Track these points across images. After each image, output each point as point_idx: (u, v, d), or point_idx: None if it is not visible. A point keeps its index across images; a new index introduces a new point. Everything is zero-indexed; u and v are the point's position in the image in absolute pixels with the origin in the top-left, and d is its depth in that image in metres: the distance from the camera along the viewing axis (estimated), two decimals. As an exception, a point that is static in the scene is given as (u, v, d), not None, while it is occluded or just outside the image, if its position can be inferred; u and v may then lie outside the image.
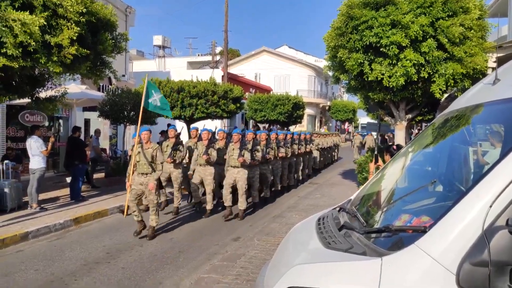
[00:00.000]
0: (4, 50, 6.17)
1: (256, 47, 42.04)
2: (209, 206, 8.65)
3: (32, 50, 6.37)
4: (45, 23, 6.38)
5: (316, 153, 16.79)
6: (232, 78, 25.32)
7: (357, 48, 8.99)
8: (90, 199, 9.76)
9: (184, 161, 9.12)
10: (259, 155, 8.92)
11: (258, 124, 24.91)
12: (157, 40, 35.93)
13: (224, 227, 7.80)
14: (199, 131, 9.42)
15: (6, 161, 9.06)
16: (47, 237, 7.02)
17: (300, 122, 27.00)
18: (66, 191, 10.06)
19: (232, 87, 17.27)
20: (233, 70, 35.41)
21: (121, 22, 14.43)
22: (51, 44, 6.80)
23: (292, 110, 23.39)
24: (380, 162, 7.23)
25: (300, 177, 13.67)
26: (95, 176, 12.08)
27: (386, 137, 20.95)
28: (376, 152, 7.74)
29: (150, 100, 8.05)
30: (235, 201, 8.71)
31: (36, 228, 7.05)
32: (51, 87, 9.17)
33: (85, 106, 14.92)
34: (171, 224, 8.01)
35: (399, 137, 11.00)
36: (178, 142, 8.82)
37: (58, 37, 6.80)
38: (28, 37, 6.11)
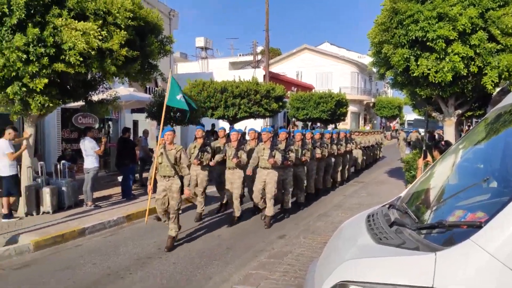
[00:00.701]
0: (63, 57, 6.58)
1: (297, 45, 41.95)
2: (236, 213, 8.01)
3: (87, 56, 6.75)
4: (99, 29, 6.76)
5: (357, 153, 15.81)
6: (274, 77, 25.39)
7: (403, 43, 8.79)
8: (141, 197, 10.14)
9: (210, 162, 8.42)
10: (292, 155, 8.21)
11: (306, 123, 24.88)
12: (200, 41, 36.60)
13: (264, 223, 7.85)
14: (229, 131, 8.96)
15: (63, 161, 9.61)
16: (102, 233, 7.39)
17: (344, 120, 26.70)
18: (118, 189, 10.51)
19: (274, 86, 17.37)
20: (275, 69, 35.47)
21: (165, 25, 14.84)
22: (103, 49, 7.17)
23: (335, 107, 23.18)
24: (429, 158, 7.05)
25: (339, 179, 12.74)
26: (144, 175, 12.53)
27: (435, 134, 20.21)
28: (424, 148, 7.55)
29: (179, 96, 7.86)
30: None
31: (91, 224, 7.43)
32: (102, 91, 9.61)
33: (133, 108, 15.49)
34: (216, 223, 8.18)
35: (448, 133, 10.64)
36: (205, 143, 8.36)
37: (109, 43, 7.16)
38: (86, 45, 6.52)
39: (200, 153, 8.12)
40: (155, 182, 6.75)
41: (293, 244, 6.56)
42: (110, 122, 15.04)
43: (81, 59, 6.69)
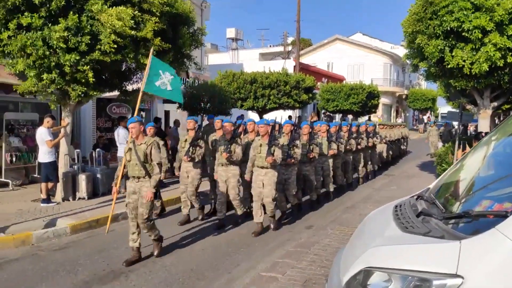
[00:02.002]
0: (99, 46, 6.80)
1: (328, 36, 41.38)
2: (239, 211, 7.22)
3: (122, 45, 6.95)
4: (133, 14, 6.93)
5: (382, 148, 14.47)
6: (304, 68, 25.23)
7: (437, 34, 8.59)
8: (172, 185, 10.37)
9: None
10: (298, 152, 7.18)
11: (330, 114, 24.61)
12: (230, 32, 36.72)
13: (295, 216, 7.90)
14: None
15: (97, 149, 9.95)
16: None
17: (375, 112, 26.30)
18: (150, 177, 10.76)
19: (304, 77, 17.28)
20: (305, 60, 35.22)
21: (197, 16, 15.00)
22: (137, 38, 7.36)
23: (366, 99, 22.84)
24: (468, 149, 6.92)
25: (360, 174, 11.69)
26: (175, 164, 12.78)
27: (469, 127, 19.59)
28: (457, 141, 7.40)
29: (158, 82, 6.68)
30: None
31: (125, 210, 7.68)
32: (136, 81, 9.85)
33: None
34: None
35: (483, 126, 10.36)
36: (198, 137, 7.21)
37: (143, 31, 7.34)
38: (121, 29, 6.75)
39: (191, 148, 7.07)
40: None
41: (320, 234, 6.60)
42: (142, 112, 15.40)
43: (115, 46, 6.86)
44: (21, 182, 10.01)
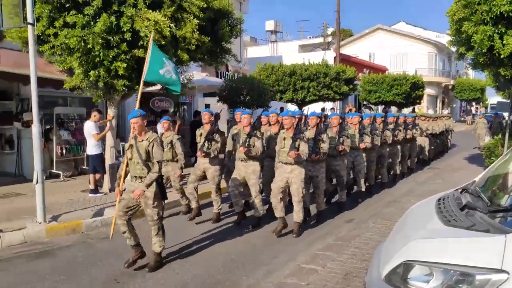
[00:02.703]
0: (141, 43, 7.00)
1: (370, 26, 40.42)
2: (259, 210, 6.66)
3: (162, 44, 7.12)
4: (172, 14, 7.07)
5: (423, 141, 13.41)
6: (345, 59, 24.81)
7: (485, 20, 8.19)
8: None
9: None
10: (324, 146, 6.52)
11: (372, 106, 24.07)
12: (269, 25, 36.62)
13: (335, 210, 7.81)
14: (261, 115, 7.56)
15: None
16: (176, 209, 7.81)
17: (419, 103, 25.50)
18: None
19: (344, 68, 17.03)
20: (346, 50, 34.58)
21: (236, 10, 15.07)
22: (177, 36, 7.50)
23: (410, 90, 22.15)
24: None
25: (398, 171, 10.85)
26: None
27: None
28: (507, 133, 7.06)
29: (162, 71, 6.26)
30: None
31: (167, 201, 7.88)
32: (177, 75, 10.06)
33: (206, 92, 16.02)
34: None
35: (536, 117, 9.81)
36: (213, 130, 6.78)
37: (182, 30, 7.47)
38: (159, 36, 6.94)
39: (206, 143, 6.69)
40: None
41: (361, 228, 6.53)
42: (184, 106, 15.71)
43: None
44: (71, 174, 10.50)
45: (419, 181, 10.97)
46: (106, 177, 8.75)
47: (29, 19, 6.15)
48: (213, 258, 5.30)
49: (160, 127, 9.62)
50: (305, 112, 7.65)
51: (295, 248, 5.68)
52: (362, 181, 8.50)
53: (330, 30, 36.90)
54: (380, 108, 25.28)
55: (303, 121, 6.95)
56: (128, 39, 6.96)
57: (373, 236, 6.04)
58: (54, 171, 10.07)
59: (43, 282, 4.58)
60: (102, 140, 8.74)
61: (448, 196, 2.74)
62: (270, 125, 7.24)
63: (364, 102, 24.59)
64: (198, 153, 6.72)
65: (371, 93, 22.72)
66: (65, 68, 7.66)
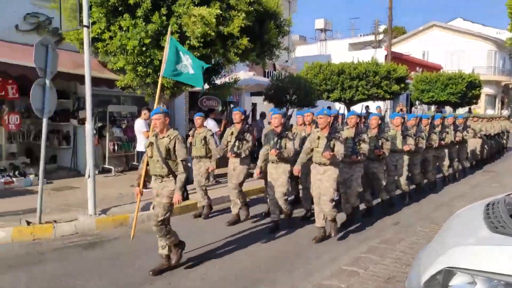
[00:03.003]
0: (188, 41, 7.18)
1: (424, 23, 38.91)
2: (284, 212, 6.44)
3: (210, 40, 7.25)
4: (220, 12, 7.18)
5: (475, 143, 12.53)
6: (396, 57, 24.05)
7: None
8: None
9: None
10: (365, 147, 6.30)
11: (442, 110, 23.09)
12: (319, 23, 36.23)
13: (381, 211, 7.60)
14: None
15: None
16: (221, 206, 7.91)
17: (476, 103, 24.29)
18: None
19: (395, 66, 16.53)
20: (398, 48, 33.50)
21: (284, 9, 15.02)
22: (224, 34, 7.61)
23: (466, 89, 21.16)
24: None
25: (446, 173, 10.26)
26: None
27: None
28: None
29: (179, 66, 5.95)
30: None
31: (212, 198, 8.03)
32: (224, 75, 10.20)
33: (253, 91, 16.11)
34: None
35: None
36: (244, 130, 6.65)
37: (230, 27, 7.57)
38: (207, 28, 7.02)
39: (236, 143, 6.55)
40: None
41: (407, 232, 6.31)
42: (231, 105, 15.89)
43: (202, 39, 7.20)
44: (122, 169, 10.94)
45: (473, 184, 10.46)
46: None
47: (85, 22, 6.46)
48: (254, 255, 5.33)
49: (207, 124, 9.83)
50: (341, 111, 7.46)
51: (338, 250, 5.59)
52: (403, 181, 8.14)
53: (382, 28, 35.94)
54: (433, 108, 24.32)
55: (339, 121, 7.01)
56: (176, 39, 7.14)
57: (419, 240, 5.82)
58: (106, 166, 10.53)
59: (92, 272, 4.80)
60: (151, 137, 9.02)
61: (498, 201, 2.58)
62: (305, 125, 7.11)
63: (417, 102, 23.69)
64: (229, 154, 6.55)
65: (423, 92, 21.92)
66: (118, 67, 7.99)
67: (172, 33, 6.41)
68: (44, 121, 6.33)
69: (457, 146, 10.79)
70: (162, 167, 4.55)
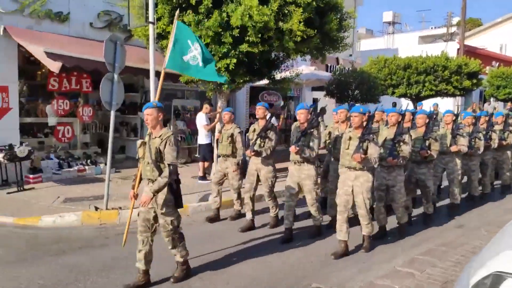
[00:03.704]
0: (247, 38, 7.28)
1: (502, 14, 36.17)
2: (317, 220, 5.85)
3: (267, 37, 7.30)
4: (277, 10, 7.19)
5: None
6: (470, 51, 22.63)
7: None
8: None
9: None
10: (406, 149, 5.64)
11: (497, 102, 21.52)
12: (387, 16, 35.03)
13: (444, 212, 7.24)
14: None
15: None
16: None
17: (560, 100, 22.24)
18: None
19: (467, 61, 15.58)
20: (472, 42, 31.44)
21: (350, 1, 14.64)
22: (284, 30, 7.62)
23: (547, 85, 19.45)
24: None
25: (508, 182, 8.92)
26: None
27: None
28: None
29: (186, 57, 5.24)
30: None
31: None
32: (284, 69, 10.21)
33: (314, 86, 15.98)
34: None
35: None
36: (267, 127, 6.03)
37: (289, 23, 7.56)
38: (266, 18, 7.07)
39: (258, 140, 6.01)
40: None
41: (470, 235, 5.99)
42: (291, 100, 15.88)
43: (259, 35, 7.23)
44: (185, 161, 11.36)
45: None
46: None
47: (150, 19, 6.78)
48: (310, 249, 5.33)
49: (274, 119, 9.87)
50: (408, 107, 7.02)
51: (394, 250, 5.43)
52: (457, 191, 7.15)
53: (455, 20, 33.94)
54: (511, 104, 22.60)
55: (378, 120, 6.61)
56: (236, 35, 7.27)
57: (483, 244, 5.44)
58: (170, 157, 10.97)
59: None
60: (212, 130, 9.28)
61: None
62: (341, 123, 6.38)
63: (491, 99, 22.14)
64: (247, 152, 6.00)
65: (499, 88, 20.46)
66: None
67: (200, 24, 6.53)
68: (112, 113, 6.75)
69: None
70: (152, 170, 4.10)
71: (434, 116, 7.37)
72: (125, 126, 11.58)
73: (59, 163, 9.26)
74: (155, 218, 4.23)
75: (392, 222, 6.09)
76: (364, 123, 5.17)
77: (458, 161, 7.08)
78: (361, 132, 5.06)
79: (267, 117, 6.14)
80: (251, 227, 6.17)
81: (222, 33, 7.35)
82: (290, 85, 10.37)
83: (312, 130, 5.48)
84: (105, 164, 9.34)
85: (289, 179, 5.71)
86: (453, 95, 15.83)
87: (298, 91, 15.38)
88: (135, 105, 11.49)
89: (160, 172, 4.08)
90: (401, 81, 15.00)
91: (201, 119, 9.13)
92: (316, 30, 8.08)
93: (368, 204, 5.19)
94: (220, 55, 7.52)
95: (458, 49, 21.88)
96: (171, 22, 7.77)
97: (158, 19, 7.68)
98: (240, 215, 6.70)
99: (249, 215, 6.22)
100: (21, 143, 8.33)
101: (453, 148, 6.93)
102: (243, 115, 14.07)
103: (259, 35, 7.23)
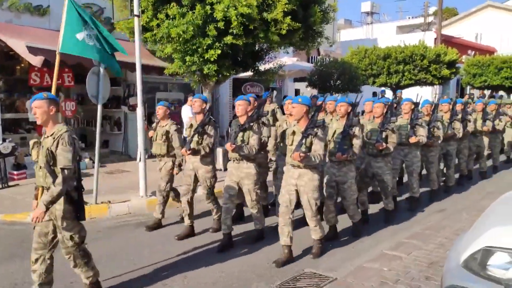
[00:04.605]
0: (231, 31, 7.32)
1: (478, 3, 36.93)
2: (258, 223, 5.33)
3: (252, 28, 7.35)
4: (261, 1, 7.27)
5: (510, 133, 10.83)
6: (447, 40, 23.09)
7: None
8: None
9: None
10: (357, 143, 5.10)
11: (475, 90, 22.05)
12: (365, 6, 35.40)
13: (426, 198, 7.47)
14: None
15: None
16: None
17: (532, 88, 22.97)
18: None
19: (445, 49, 15.92)
20: (449, 31, 32.05)
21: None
22: (268, 20, 7.69)
23: (522, 73, 20.04)
24: None
25: (466, 172, 8.71)
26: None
27: None
28: None
29: (81, 35, 4.79)
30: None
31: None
32: (268, 61, 10.28)
33: (296, 77, 16.10)
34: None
35: None
36: (205, 122, 5.32)
37: (273, 13, 7.64)
38: (249, 10, 7.13)
39: (196, 137, 5.31)
40: None
41: (452, 219, 6.22)
42: (274, 91, 15.97)
43: (243, 27, 7.30)
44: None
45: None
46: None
47: (135, 11, 6.75)
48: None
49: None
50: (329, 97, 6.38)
51: (380, 235, 5.61)
52: (416, 184, 6.72)
53: (432, 10, 34.52)
54: (487, 93, 23.23)
55: (322, 110, 6.01)
56: (221, 28, 7.30)
57: (464, 227, 5.68)
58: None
59: (142, 250, 5.12)
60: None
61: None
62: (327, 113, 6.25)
63: (468, 87, 22.70)
64: (182, 150, 5.31)
65: (475, 76, 20.97)
66: (165, 55, 8.29)
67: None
68: (99, 107, 6.73)
69: (489, 138, 9.32)
70: (45, 176, 3.39)
71: (395, 105, 7.11)
72: (108, 120, 11.50)
73: (43, 159, 9.16)
74: (55, 230, 3.54)
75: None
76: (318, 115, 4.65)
77: (417, 153, 6.64)
78: (305, 126, 4.46)
79: (205, 111, 5.45)
80: (189, 233, 5.52)
81: (207, 26, 7.37)
82: (274, 76, 10.46)
83: (252, 124, 4.92)
84: (90, 159, 9.34)
85: (227, 179, 5.17)
86: (431, 84, 16.18)
87: (280, 82, 15.48)
88: (118, 99, 11.41)
89: (55, 178, 3.35)
90: (381, 71, 15.26)
91: (186, 112, 9.15)
92: (300, 24, 8.18)
93: (315, 205, 4.61)
94: (205, 47, 7.54)
95: (435, 39, 22.32)
96: (155, 16, 7.80)
97: (142, 12, 7.65)
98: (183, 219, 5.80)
99: (187, 221, 5.54)
100: (4, 140, 8.22)
101: (412, 140, 6.31)
102: (227, 106, 14.12)
103: (243, 27, 7.28)
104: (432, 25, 29.42)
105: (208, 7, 7.35)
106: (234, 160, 5.07)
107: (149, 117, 11.31)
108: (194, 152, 5.28)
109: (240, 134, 4.91)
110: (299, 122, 4.57)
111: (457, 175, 8.56)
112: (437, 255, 4.76)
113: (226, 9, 7.13)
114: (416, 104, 6.89)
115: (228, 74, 8.56)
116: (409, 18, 38.52)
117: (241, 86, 13.33)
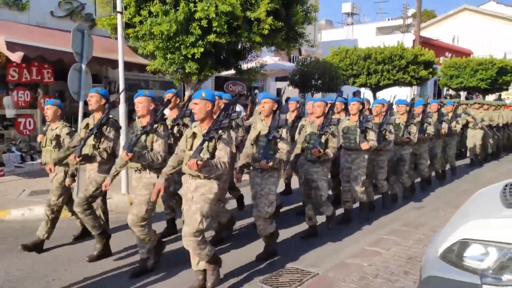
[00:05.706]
0: (214, 29, 7.35)
1: (455, 6, 37.79)
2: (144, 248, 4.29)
3: (236, 26, 7.39)
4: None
5: (474, 135, 10.76)
6: (425, 42, 23.58)
7: None
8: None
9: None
10: (283, 148, 4.37)
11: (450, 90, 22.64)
12: (346, 7, 35.74)
13: (404, 197, 7.67)
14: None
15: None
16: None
17: (506, 89, 23.70)
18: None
19: (422, 51, 16.26)
20: (427, 33, 32.74)
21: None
22: (251, 19, 7.75)
23: (496, 75, 20.65)
24: None
25: (424, 175, 8.14)
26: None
27: None
28: None
29: None
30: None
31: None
32: (250, 60, 10.34)
33: (278, 76, 16.22)
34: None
35: None
36: (103, 122, 4.39)
37: (256, 12, 7.70)
38: (231, 8, 7.15)
39: (93, 140, 4.42)
40: None
41: (430, 216, 6.41)
42: (256, 90, 16.06)
43: (226, 25, 7.33)
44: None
45: (502, 171, 10.36)
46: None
47: (118, 8, 6.71)
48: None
49: (238, 109, 10.00)
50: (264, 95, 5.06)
51: (360, 232, 5.73)
52: (359, 189, 5.94)
53: (411, 12, 35.17)
54: (463, 94, 23.85)
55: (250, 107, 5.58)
56: (204, 26, 7.31)
57: (442, 224, 5.79)
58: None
59: (129, 242, 5.07)
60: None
61: (516, 182, 2.70)
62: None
63: (445, 88, 23.23)
64: (71, 157, 4.24)
65: (452, 78, 21.50)
66: (147, 52, 8.26)
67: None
68: (81, 104, 6.67)
69: (446, 141, 8.96)
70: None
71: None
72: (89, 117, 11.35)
73: (21, 156, 9.01)
74: None
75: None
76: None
77: (365, 156, 5.93)
78: (207, 128, 3.61)
79: (106, 108, 4.52)
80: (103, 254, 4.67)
81: (190, 24, 7.38)
82: (256, 76, 10.52)
83: (157, 126, 4.05)
84: (71, 156, 9.21)
85: (131, 191, 4.61)
86: (410, 84, 16.50)
87: (262, 81, 15.57)
88: (99, 96, 11.27)
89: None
90: (362, 71, 15.47)
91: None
92: (282, 23, 8.27)
93: (199, 222, 3.60)
94: (188, 44, 7.54)
95: (414, 40, 22.76)
96: (138, 12, 7.76)
97: (124, 8, 7.59)
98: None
99: (78, 224, 4.95)
100: (-19, 137, 8.05)
101: (364, 146, 5.62)
102: (208, 106, 14.10)
103: (226, 26, 7.32)
104: (411, 27, 29.96)
105: (192, 5, 7.36)
106: (136, 170, 4.10)
107: (130, 114, 11.23)
108: (87, 158, 4.27)
109: (143, 137, 4.00)
110: (202, 123, 3.75)
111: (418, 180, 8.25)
112: (415, 251, 4.91)
113: (207, 8, 7.15)
114: (363, 105, 6.09)
115: (210, 74, 8.58)
116: (388, 19, 39.13)
117: (223, 84, 13.36)
